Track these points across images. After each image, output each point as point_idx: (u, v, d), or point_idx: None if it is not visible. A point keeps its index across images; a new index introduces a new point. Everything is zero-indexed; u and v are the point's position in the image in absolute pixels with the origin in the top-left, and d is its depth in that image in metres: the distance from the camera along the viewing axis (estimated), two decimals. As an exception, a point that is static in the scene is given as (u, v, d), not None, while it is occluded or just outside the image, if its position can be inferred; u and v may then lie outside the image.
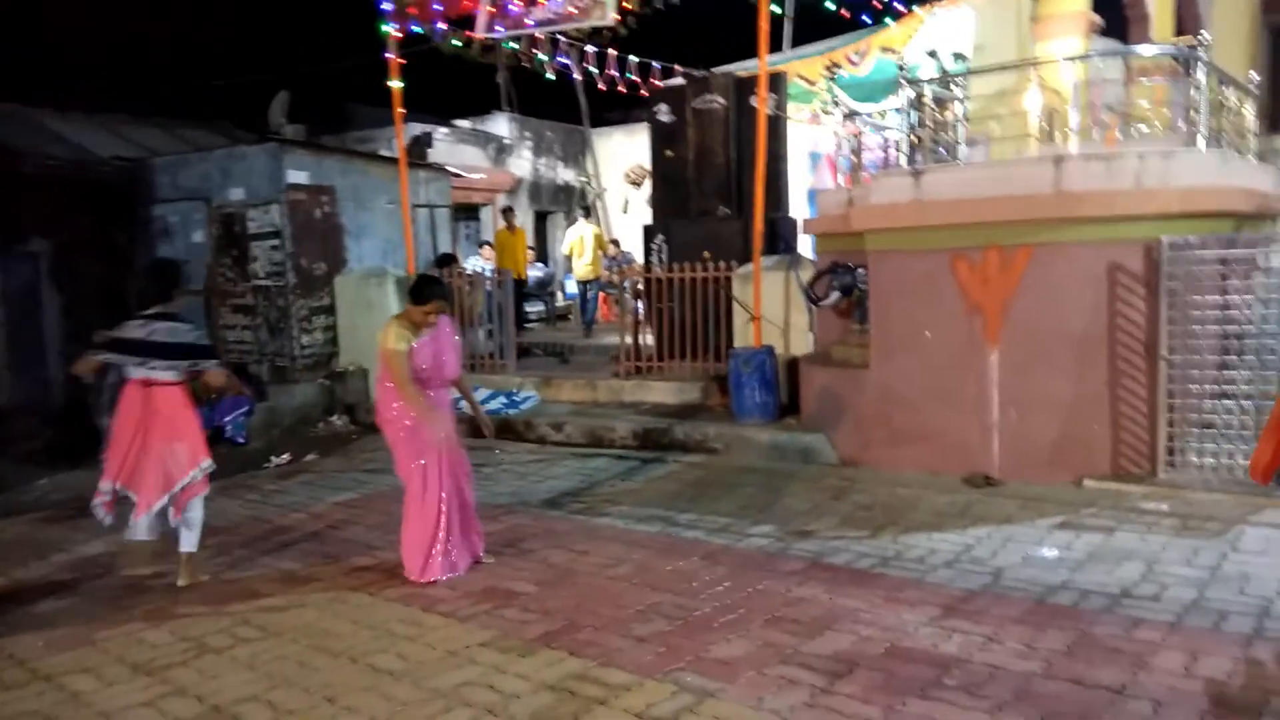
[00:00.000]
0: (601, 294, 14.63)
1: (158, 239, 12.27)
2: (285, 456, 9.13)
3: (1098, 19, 10.88)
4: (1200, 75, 6.79)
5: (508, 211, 16.03)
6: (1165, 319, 6.32)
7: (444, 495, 5.44)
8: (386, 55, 11.03)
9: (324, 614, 4.96)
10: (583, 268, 14.57)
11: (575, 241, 14.78)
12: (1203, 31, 8.19)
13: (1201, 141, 6.76)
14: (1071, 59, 8.53)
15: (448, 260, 12.23)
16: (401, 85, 11.10)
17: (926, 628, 4.40)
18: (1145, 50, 9.18)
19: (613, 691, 3.90)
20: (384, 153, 14.06)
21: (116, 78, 18.05)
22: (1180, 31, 11.66)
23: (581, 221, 15.30)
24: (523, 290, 13.60)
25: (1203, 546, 5.32)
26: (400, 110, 11.31)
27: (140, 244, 12.35)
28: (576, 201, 19.99)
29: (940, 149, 7.77)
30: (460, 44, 11.27)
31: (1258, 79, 8.88)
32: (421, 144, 16.62)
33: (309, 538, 6.42)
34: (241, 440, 10.04)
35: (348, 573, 5.60)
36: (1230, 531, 5.52)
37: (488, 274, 11.84)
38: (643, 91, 14.14)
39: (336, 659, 4.37)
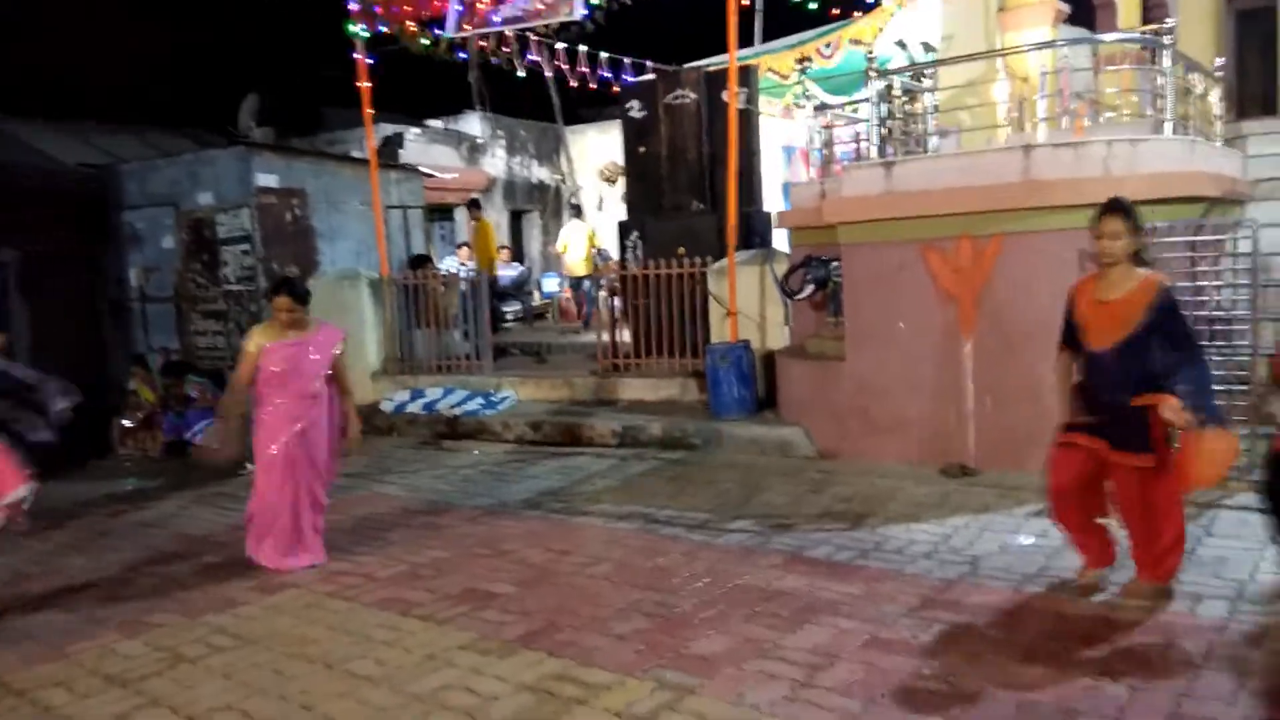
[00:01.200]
0: (568, 290, 14.75)
1: (127, 246, 12.16)
2: (260, 463, 9.02)
3: (1065, 7, 10.93)
4: (1167, 62, 6.82)
5: (473, 205, 15.81)
6: (1136, 305, 6.32)
7: (287, 487, 5.71)
8: (355, 56, 10.96)
9: (300, 620, 4.92)
10: (578, 265, 14.69)
11: (569, 240, 14.87)
12: (1169, 18, 8.23)
13: (1169, 128, 6.79)
14: (1039, 47, 8.55)
15: (421, 261, 12.17)
16: (370, 86, 11.02)
17: (906, 618, 4.41)
18: (1112, 38, 9.23)
19: (592, 691, 3.88)
20: (355, 154, 13.97)
21: (83, 85, 17.86)
22: (1147, 18, 11.73)
23: (575, 221, 15.38)
24: (495, 288, 13.52)
25: (1177, 530, 5.35)
26: (370, 111, 11.23)
27: (110, 251, 12.23)
28: (553, 199, 19.96)
29: (911, 140, 7.78)
30: (429, 43, 11.21)
31: (1224, 64, 8.94)
32: (393, 145, 16.53)
33: (285, 544, 6.35)
34: (215, 448, 9.95)
35: (324, 578, 5.55)
36: (1204, 516, 5.54)
37: (463, 274, 11.79)
38: (614, 88, 14.12)
39: (313, 665, 4.33)
